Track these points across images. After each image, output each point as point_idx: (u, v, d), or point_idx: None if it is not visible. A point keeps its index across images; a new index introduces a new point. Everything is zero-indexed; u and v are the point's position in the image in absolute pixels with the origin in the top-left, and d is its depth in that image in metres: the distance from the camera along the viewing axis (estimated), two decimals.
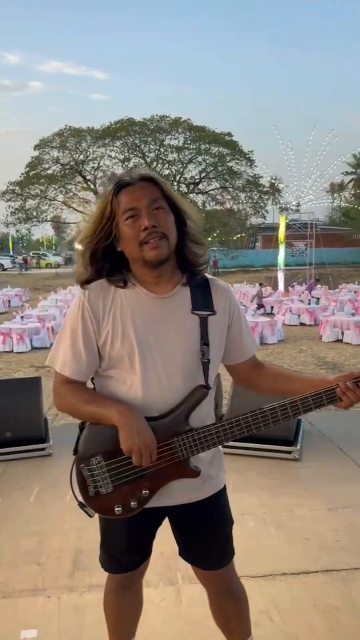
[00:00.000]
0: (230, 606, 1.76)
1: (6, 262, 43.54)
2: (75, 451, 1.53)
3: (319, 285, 21.11)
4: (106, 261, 1.51)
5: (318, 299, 18.16)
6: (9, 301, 20.36)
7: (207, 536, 1.64)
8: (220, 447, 1.58)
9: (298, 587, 2.52)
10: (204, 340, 1.49)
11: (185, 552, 1.69)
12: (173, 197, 1.48)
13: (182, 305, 1.51)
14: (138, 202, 1.42)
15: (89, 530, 3.06)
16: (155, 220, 1.41)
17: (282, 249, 23.47)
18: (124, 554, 1.65)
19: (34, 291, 24.32)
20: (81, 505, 1.54)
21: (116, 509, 1.48)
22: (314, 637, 2.20)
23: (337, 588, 2.52)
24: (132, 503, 1.47)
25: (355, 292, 19.65)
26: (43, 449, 4.23)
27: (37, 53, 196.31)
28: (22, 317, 12.63)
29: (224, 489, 1.67)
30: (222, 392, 4.92)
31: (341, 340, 11.94)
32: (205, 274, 1.58)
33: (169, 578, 2.57)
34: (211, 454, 1.57)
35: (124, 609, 1.79)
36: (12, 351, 11.07)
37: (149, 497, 1.48)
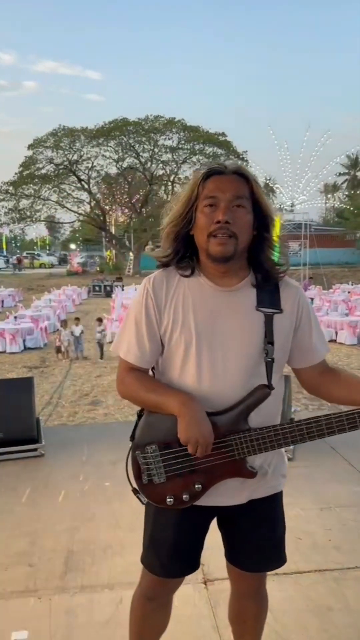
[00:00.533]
0: (251, 608, 1.76)
1: (0, 262, 43.42)
2: (132, 437, 1.52)
3: (312, 286, 21.14)
4: (183, 245, 1.49)
5: (312, 299, 18.18)
6: (2, 301, 20.28)
7: (258, 539, 1.60)
8: (283, 450, 1.56)
9: (291, 587, 2.52)
10: (269, 339, 1.44)
11: (233, 553, 1.66)
12: (261, 200, 1.43)
13: (247, 300, 1.46)
14: (221, 193, 1.38)
15: (80, 531, 3.05)
16: (230, 217, 1.37)
17: (276, 250, 23.45)
18: (172, 554, 1.59)
19: (27, 291, 24.20)
20: (135, 491, 1.53)
21: (168, 499, 1.47)
22: (306, 637, 2.19)
23: (330, 588, 2.52)
24: (184, 496, 1.46)
25: (349, 292, 19.70)
26: (35, 450, 4.21)
27: (31, 53, 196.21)
28: (15, 317, 12.59)
29: (281, 493, 1.63)
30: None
31: (335, 341, 12.01)
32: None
33: None
34: (271, 454, 1.51)
35: (146, 621, 1.74)
36: (4, 352, 11.04)
37: (202, 492, 1.46)
